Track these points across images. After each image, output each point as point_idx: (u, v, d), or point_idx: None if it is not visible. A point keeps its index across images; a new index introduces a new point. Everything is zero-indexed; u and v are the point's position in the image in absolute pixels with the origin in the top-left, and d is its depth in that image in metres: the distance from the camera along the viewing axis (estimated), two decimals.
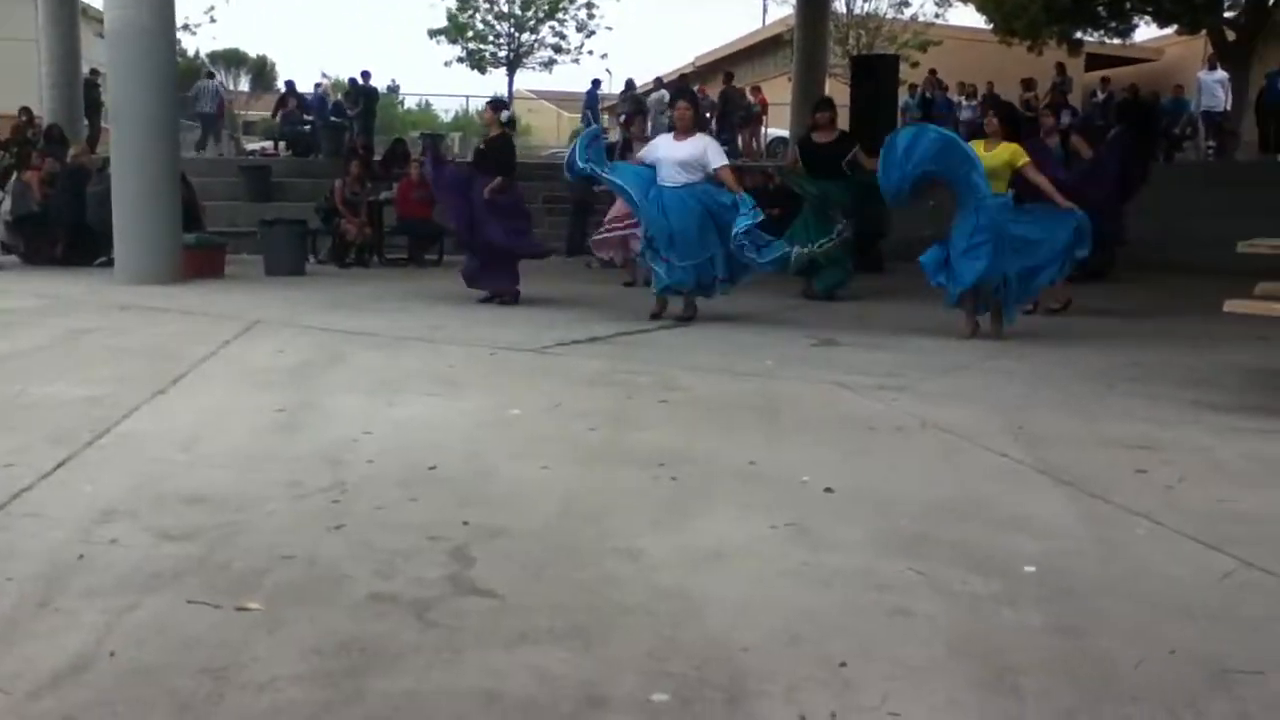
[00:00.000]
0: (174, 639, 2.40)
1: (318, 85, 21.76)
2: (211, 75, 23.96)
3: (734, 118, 21.30)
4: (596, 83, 22.48)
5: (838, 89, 21.81)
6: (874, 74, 17.70)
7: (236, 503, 3.39)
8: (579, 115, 26.54)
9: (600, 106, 20.92)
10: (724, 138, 20.78)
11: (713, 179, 7.70)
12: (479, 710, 2.14)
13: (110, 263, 10.37)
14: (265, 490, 3.53)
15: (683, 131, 7.91)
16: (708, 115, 20.91)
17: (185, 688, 2.19)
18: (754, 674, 2.29)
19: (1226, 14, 21.61)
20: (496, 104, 9.81)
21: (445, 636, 2.45)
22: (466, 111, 33.91)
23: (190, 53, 36.09)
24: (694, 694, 2.20)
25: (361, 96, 19.63)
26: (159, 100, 9.85)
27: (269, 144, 21.22)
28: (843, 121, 11.49)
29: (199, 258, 10.53)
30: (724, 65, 38.16)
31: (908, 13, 29.07)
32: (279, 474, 3.72)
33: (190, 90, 20.50)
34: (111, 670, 2.26)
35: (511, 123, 9.65)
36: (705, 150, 7.77)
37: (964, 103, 20.47)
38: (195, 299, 8.66)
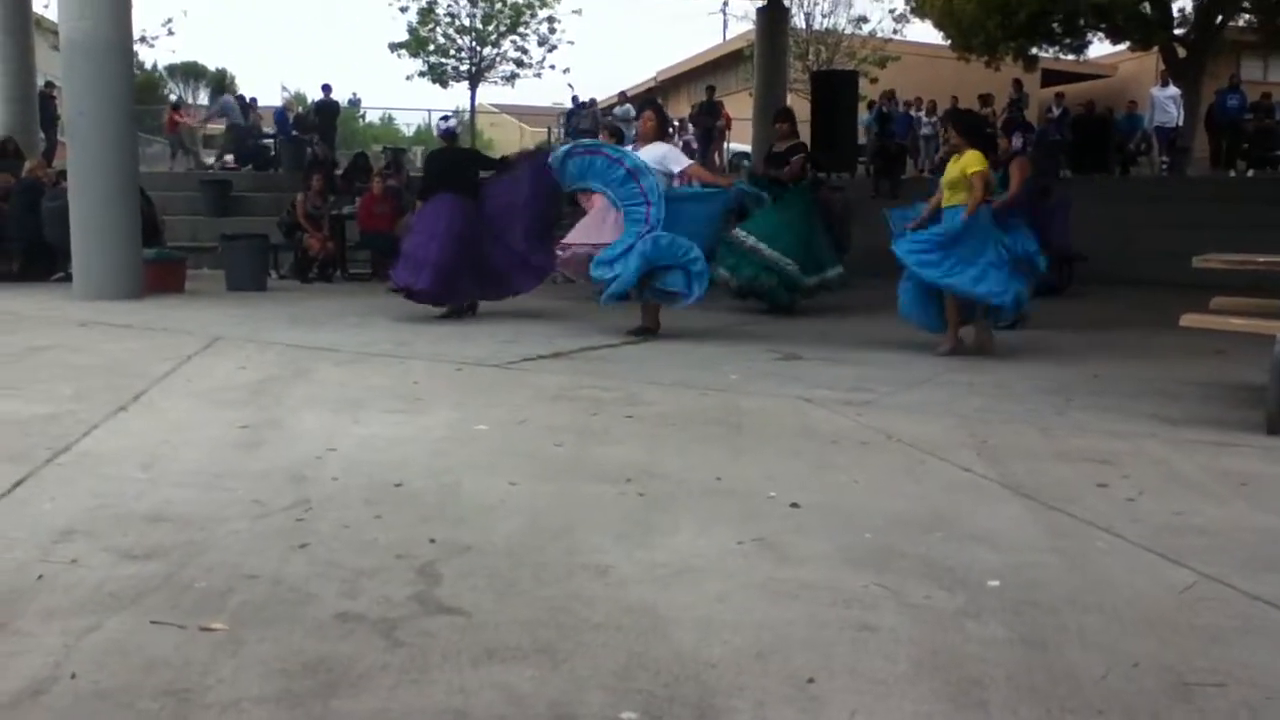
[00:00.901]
0: (136, 660, 2.37)
1: (237, 97, 21.40)
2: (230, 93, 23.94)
3: (715, 130, 21.45)
4: (577, 101, 22.28)
5: (799, 104, 22.00)
6: (834, 89, 17.91)
7: (199, 521, 3.35)
8: (544, 130, 26.50)
9: (577, 126, 20.68)
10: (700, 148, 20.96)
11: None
12: None
13: (68, 278, 10.25)
14: (228, 508, 3.49)
15: (644, 141, 7.97)
16: (671, 130, 21.01)
17: (148, 710, 2.16)
18: (722, 690, 2.29)
19: (1177, 31, 22.07)
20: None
21: (412, 655, 2.44)
22: (429, 125, 33.77)
23: (148, 65, 35.85)
24: (663, 711, 2.20)
25: (320, 113, 19.53)
26: (117, 113, 9.74)
27: (229, 158, 21.03)
28: (805, 136, 11.56)
29: (159, 273, 10.42)
30: (686, 80, 38.45)
31: (866, 29, 29.31)
32: (242, 492, 3.68)
33: (215, 107, 20.64)
34: (72, 692, 2.23)
35: (450, 134, 9.63)
36: (665, 156, 7.79)
37: (923, 119, 20.70)
38: (155, 315, 8.56)
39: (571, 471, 4.08)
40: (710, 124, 21.26)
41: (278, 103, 23.65)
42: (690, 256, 7.39)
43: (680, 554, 3.15)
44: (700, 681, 2.33)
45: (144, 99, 25.01)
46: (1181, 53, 21.50)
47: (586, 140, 8.63)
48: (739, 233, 9.13)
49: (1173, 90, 19.32)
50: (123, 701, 2.19)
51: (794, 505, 3.65)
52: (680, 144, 20.69)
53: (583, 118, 20.68)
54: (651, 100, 21.22)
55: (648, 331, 7.84)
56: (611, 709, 2.21)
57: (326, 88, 19.92)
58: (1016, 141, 9.94)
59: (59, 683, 2.27)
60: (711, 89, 22.83)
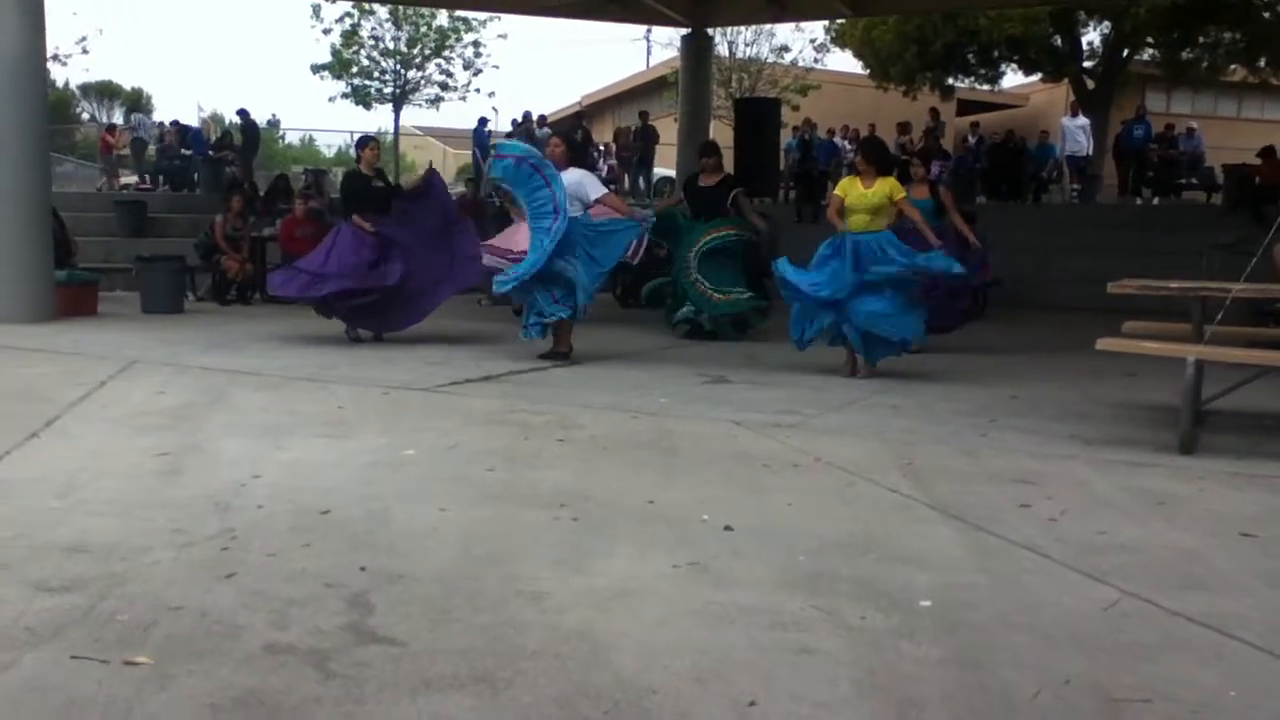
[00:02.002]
0: (57, 698, 2.29)
1: (173, 122, 20.91)
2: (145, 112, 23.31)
3: (650, 153, 21.55)
4: (484, 120, 22.46)
5: (722, 130, 22.25)
6: (757, 116, 18.16)
7: (120, 552, 3.25)
8: (469, 153, 26.42)
9: (491, 143, 20.71)
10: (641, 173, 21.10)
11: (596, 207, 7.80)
12: None
13: None
14: (150, 538, 3.39)
15: (554, 167, 7.90)
16: (596, 154, 21.06)
17: None
18: (664, 716, 2.28)
19: (1086, 64, 22.89)
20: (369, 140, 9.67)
21: (346, 687, 2.38)
22: (349, 147, 33.49)
23: (60, 84, 34.95)
24: None
25: (243, 135, 19.26)
26: (28, 132, 9.49)
27: (137, 179, 20.55)
28: (727, 162, 11.67)
29: (71, 295, 10.14)
30: (611, 105, 38.62)
31: (788, 57, 29.83)
32: (164, 521, 3.58)
33: (131, 122, 20.10)
34: None
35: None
36: (581, 182, 7.79)
37: (848, 147, 21.03)
38: (67, 338, 8.31)
39: (504, 497, 4.04)
40: (649, 149, 21.41)
41: (195, 123, 23.24)
42: (567, 286, 7.50)
43: (616, 579, 3.14)
44: (642, 708, 2.32)
45: (55, 118, 24.37)
46: (1090, 84, 22.32)
47: (512, 144, 8.56)
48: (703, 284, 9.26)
49: (1082, 120, 19.95)
50: None
51: (728, 528, 3.66)
52: (605, 169, 20.81)
53: (519, 138, 20.67)
54: (576, 125, 21.25)
55: (560, 355, 7.76)
56: None
57: (243, 112, 19.58)
58: (935, 169, 10.12)
59: None
60: (645, 114, 22.92)
